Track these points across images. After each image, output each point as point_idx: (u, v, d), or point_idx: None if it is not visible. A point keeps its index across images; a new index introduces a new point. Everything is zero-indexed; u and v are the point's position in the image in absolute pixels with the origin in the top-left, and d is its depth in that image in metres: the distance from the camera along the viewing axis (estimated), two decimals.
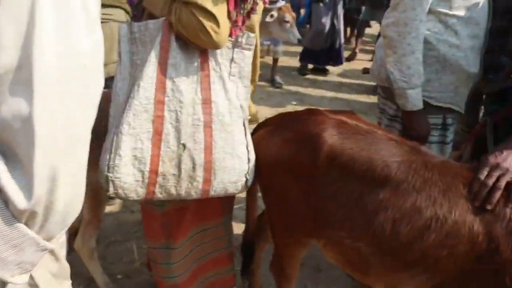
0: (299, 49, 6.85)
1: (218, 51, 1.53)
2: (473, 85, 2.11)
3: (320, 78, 6.65)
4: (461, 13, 1.91)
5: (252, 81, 1.81)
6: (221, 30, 1.41)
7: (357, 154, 1.55)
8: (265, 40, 5.85)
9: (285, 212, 1.74)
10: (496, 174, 1.46)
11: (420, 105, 1.96)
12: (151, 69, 1.45)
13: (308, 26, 7.58)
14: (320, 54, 6.47)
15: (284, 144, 1.68)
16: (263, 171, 1.72)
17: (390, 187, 1.50)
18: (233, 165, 1.57)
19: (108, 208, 2.17)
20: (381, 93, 2.25)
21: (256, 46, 1.70)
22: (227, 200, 1.87)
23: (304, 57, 6.68)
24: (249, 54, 1.61)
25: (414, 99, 1.94)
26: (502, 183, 1.44)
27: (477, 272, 1.46)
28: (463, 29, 1.93)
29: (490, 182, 1.45)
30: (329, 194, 1.58)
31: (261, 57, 6.14)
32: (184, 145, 1.49)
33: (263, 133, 1.78)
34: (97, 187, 1.55)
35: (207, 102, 1.51)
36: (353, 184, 1.55)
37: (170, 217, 1.75)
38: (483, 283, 1.47)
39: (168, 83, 1.47)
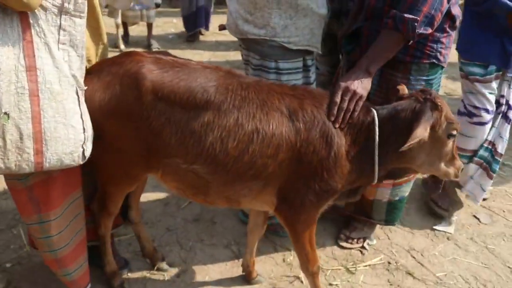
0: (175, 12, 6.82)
1: (41, 18, 1.45)
2: (324, 25, 2.30)
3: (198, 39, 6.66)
4: None
5: (98, 43, 1.82)
6: None
7: (177, 85, 1.69)
8: (136, 5, 5.70)
9: (119, 153, 1.81)
10: (346, 97, 1.81)
11: None
12: None
13: None
14: (188, 18, 6.42)
15: (106, 88, 1.71)
16: (92, 118, 1.71)
17: (212, 109, 1.69)
18: (67, 135, 1.52)
19: None
20: (242, 45, 2.35)
21: (94, 7, 1.69)
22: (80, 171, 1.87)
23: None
24: (81, 21, 1.54)
25: None
26: (351, 105, 1.81)
27: (301, 172, 1.76)
28: None
29: (344, 105, 1.80)
30: (159, 126, 1.70)
31: (135, 23, 5.96)
32: (7, 114, 1.40)
33: (85, 82, 1.73)
34: None
35: (31, 69, 1.43)
36: (179, 113, 1.69)
37: (36, 190, 1.69)
38: (308, 180, 1.78)
39: None
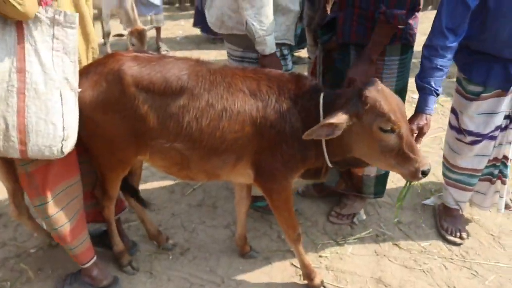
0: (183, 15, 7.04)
1: (36, 28, 1.72)
2: (297, 21, 2.56)
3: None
4: None
5: (88, 48, 2.11)
6: (25, 2, 1.59)
7: (154, 77, 1.97)
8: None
9: (111, 141, 2.08)
10: None
11: (274, 48, 2.32)
12: None
13: None
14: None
15: (94, 86, 1.98)
16: (85, 117, 1.97)
17: (186, 94, 1.97)
18: (47, 130, 1.76)
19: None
20: (225, 39, 2.61)
21: (83, 17, 1.98)
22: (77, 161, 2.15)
23: (197, 19, 6.72)
24: (72, 32, 1.80)
25: (272, 44, 2.29)
26: None
27: (266, 145, 2.02)
28: None
29: None
30: (142, 113, 1.97)
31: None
32: None
33: None
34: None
35: (21, 71, 1.70)
36: (159, 100, 1.97)
37: (35, 176, 1.97)
38: (272, 152, 2.03)
39: None
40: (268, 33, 2.25)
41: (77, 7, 1.96)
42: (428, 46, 2.20)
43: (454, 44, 2.17)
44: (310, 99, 2.01)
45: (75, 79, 1.86)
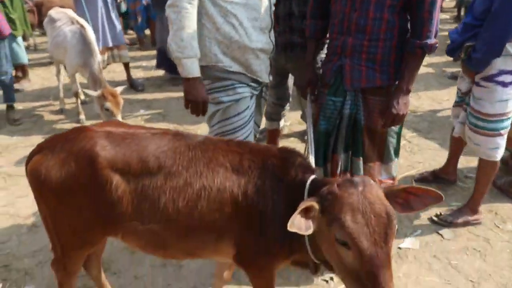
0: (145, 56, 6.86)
1: None
2: (270, 58, 2.56)
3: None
4: (238, 0, 2.29)
5: None
6: None
7: (130, 157, 1.79)
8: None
9: (77, 223, 1.88)
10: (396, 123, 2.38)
11: (195, 74, 2.26)
12: None
13: (148, 30, 7.65)
14: (172, 61, 6.36)
15: (61, 166, 1.79)
16: (47, 194, 1.83)
17: (163, 173, 1.79)
18: None
19: None
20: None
21: None
22: None
23: (160, 61, 6.52)
24: None
25: (189, 68, 2.24)
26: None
27: (247, 225, 1.80)
28: (242, 12, 2.31)
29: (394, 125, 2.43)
30: (115, 198, 1.78)
31: (108, 63, 5.96)
32: None
33: (39, 158, 1.86)
34: None
35: None
36: (134, 183, 1.79)
37: None
38: (253, 233, 1.80)
39: None
40: (184, 56, 2.22)
41: None
42: None
43: None
44: (297, 181, 1.76)
45: None
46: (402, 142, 4.11)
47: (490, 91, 2.79)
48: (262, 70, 2.50)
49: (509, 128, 2.91)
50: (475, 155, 3.18)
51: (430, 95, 5.73)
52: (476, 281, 2.69)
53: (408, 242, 3.02)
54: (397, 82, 2.35)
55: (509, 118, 2.87)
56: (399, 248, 2.97)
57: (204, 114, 2.39)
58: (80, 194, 1.80)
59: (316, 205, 1.49)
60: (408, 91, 2.32)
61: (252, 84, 2.49)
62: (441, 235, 3.11)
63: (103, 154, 1.77)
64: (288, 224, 1.42)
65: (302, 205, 1.47)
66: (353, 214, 1.40)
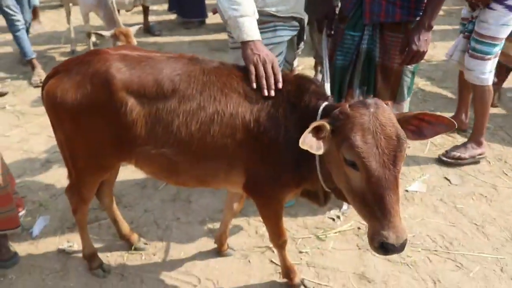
0: None
1: None
2: None
3: None
4: None
5: None
6: None
7: (145, 79, 1.77)
8: None
9: (93, 146, 1.90)
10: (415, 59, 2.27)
11: (256, 36, 1.93)
12: None
13: None
14: (184, 4, 6.31)
15: (76, 88, 1.79)
16: (63, 117, 1.83)
17: (178, 97, 1.77)
18: None
19: None
20: (226, 26, 2.32)
21: None
22: None
23: (171, 4, 6.52)
24: None
25: (248, 29, 1.91)
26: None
27: (258, 152, 1.80)
28: None
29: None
30: (130, 120, 1.78)
31: (128, 10, 5.81)
32: None
33: (55, 81, 1.86)
34: None
35: None
36: (149, 105, 1.78)
37: None
38: (264, 160, 1.81)
39: None
40: (241, 14, 1.91)
41: None
42: None
43: None
44: (310, 107, 1.73)
45: None
46: (415, 89, 4.05)
47: (499, 14, 2.95)
48: (302, 6, 2.37)
49: (499, 52, 3.14)
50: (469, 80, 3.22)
51: (446, 45, 5.57)
52: (480, 224, 2.72)
53: (415, 186, 3.05)
54: (417, 19, 2.29)
55: (501, 43, 3.09)
56: (406, 190, 3.00)
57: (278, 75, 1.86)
58: (95, 116, 1.80)
59: (327, 125, 1.48)
60: (430, 27, 2.25)
61: (294, 23, 2.34)
62: (448, 180, 3.13)
63: (119, 76, 1.75)
64: (300, 141, 1.41)
65: (314, 124, 1.46)
66: (363, 134, 1.39)
